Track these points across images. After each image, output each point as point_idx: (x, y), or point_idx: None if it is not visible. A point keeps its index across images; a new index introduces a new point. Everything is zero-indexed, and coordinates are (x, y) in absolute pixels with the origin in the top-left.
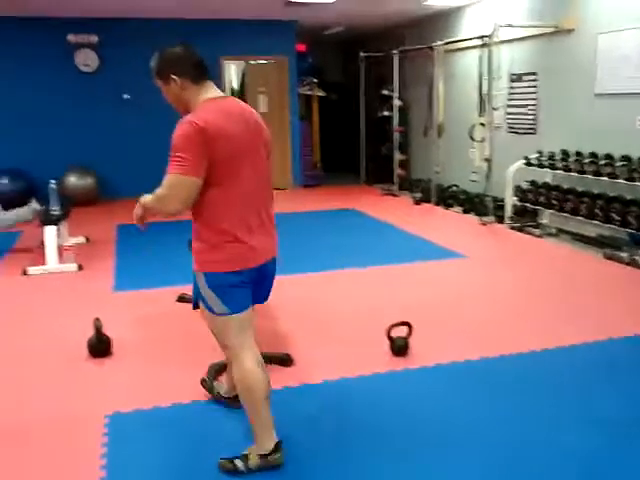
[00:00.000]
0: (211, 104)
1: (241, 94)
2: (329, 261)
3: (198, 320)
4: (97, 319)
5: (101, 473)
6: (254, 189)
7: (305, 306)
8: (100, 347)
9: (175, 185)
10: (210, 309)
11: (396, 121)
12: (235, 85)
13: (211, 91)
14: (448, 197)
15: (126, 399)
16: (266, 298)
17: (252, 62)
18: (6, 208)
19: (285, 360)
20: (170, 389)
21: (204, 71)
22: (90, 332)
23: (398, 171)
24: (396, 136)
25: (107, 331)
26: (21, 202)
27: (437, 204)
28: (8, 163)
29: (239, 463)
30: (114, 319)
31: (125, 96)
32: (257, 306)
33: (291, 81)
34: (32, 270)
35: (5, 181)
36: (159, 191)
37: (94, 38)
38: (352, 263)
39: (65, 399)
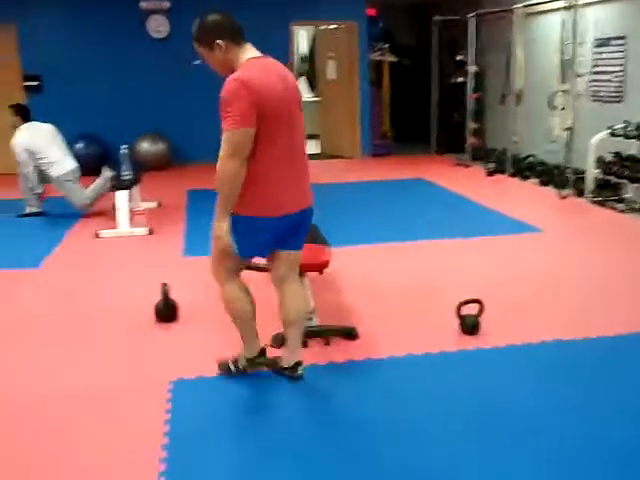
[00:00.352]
0: (253, 63)
1: (310, 60)
2: (396, 233)
3: (267, 288)
4: (164, 284)
5: (163, 440)
6: (291, 143)
7: (370, 279)
8: (167, 312)
9: (232, 140)
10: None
11: (471, 88)
12: (305, 51)
13: (251, 52)
14: (524, 168)
15: (190, 365)
16: (300, 246)
17: (322, 28)
18: (82, 172)
19: (350, 333)
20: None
21: (242, 34)
22: (158, 296)
23: (471, 140)
24: (470, 103)
25: (174, 296)
26: (95, 166)
27: (512, 175)
28: (83, 128)
29: (231, 366)
30: (182, 284)
31: (195, 62)
32: (321, 277)
33: (361, 46)
34: (104, 233)
35: (81, 145)
36: (219, 163)
37: (166, 4)
38: (421, 235)
39: (130, 364)
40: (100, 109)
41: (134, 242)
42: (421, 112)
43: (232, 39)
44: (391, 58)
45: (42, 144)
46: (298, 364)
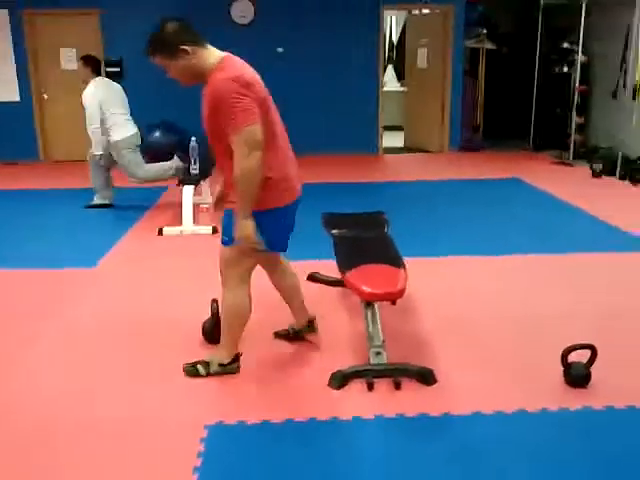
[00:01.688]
0: (229, 61)
1: (399, 48)
2: (486, 243)
3: (332, 307)
4: (214, 301)
5: None
6: (282, 129)
7: (452, 301)
8: (215, 334)
9: (249, 137)
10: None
11: (577, 79)
12: (394, 38)
13: (217, 51)
14: (637, 170)
15: (232, 407)
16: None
17: (414, 13)
18: (158, 161)
19: (425, 376)
20: (286, 400)
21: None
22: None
23: (575, 136)
24: (576, 96)
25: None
26: (171, 156)
27: (622, 178)
28: (162, 115)
29: (200, 369)
30: None
31: (279, 50)
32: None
33: (456, 32)
34: (167, 230)
35: (158, 133)
36: (239, 163)
37: None
38: (511, 247)
39: (167, 394)
40: (179, 96)
41: (196, 242)
42: (518, 105)
43: (197, 42)
44: (489, 45)
45: (111, 102)
46: (312, 320)
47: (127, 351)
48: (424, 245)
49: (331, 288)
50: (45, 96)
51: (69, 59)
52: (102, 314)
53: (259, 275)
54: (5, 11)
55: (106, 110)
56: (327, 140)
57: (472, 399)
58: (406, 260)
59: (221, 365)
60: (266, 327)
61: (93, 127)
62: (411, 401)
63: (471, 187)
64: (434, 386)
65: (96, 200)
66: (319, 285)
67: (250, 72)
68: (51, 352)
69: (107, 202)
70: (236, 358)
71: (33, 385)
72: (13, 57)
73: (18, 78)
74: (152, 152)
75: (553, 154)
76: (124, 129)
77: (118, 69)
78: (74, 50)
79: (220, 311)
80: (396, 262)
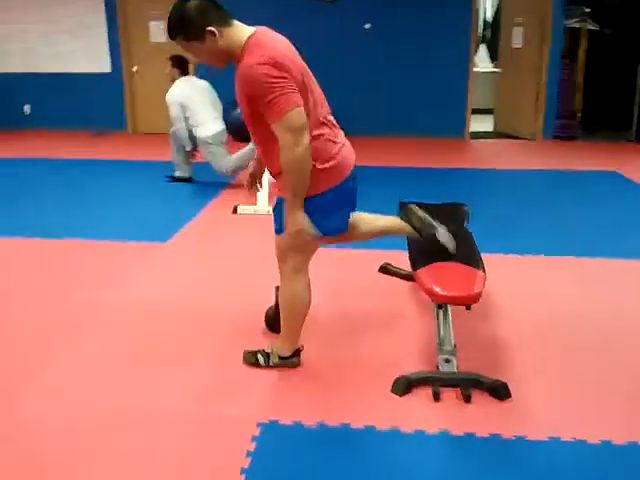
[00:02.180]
0: (258, 39)
1: (493, 27)
2: (571, 242)
3: (402, 302)
4: (277, 288)
5: None
6: (322, 100)
7: (532, 307)
8: (277, 323)
9: (293, 122)
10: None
11: None
12: (488, 16)
13: (244, 27)
14: None
15: (288, 405)
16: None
17: None
18: (239, 140)
19: (498, 390)
20: (346, 404)
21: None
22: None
23: None
24: None
25: None
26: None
27: None
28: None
29: (261, 358)
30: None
31: (366, 26)
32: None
33: (556, 11)
34: (241, 209)
35: (238, 111)
36: (285, 153)
37: None
38: (604, 250)
39: (221, 384)
40: None
41: (270, 223)
42: (620, 91)
43: (223, 21)
44: (591, 26)
45: (194, 100)
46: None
47: (184, 335)
48: (506, 241)
49: (403, 281)
50: (134, 68)
51: (158, 32)
52: (163, 294)
53: (333, 268)
54: None
55: (188, 109)
56: (411, 121)
57: (550, 422)
58: (484, 257)
59: (281, 358)
60: (334, 322)
61: (177, 127)
62: (481, 418)
63: (563, 180)
64: (508, 402)
65: (177, 173)
66: (390, 277)
67: (282, 49)
68: (101, 335)
69: (187, 176)
70: (297, 352)
71: (76, 375)
72: (106, 29)
73: (110, 50)
74: (234, 129)
75: None
76: (207, 127)
77: None
78: (162, 24)
79: (280, 302)
80: (474, 262)
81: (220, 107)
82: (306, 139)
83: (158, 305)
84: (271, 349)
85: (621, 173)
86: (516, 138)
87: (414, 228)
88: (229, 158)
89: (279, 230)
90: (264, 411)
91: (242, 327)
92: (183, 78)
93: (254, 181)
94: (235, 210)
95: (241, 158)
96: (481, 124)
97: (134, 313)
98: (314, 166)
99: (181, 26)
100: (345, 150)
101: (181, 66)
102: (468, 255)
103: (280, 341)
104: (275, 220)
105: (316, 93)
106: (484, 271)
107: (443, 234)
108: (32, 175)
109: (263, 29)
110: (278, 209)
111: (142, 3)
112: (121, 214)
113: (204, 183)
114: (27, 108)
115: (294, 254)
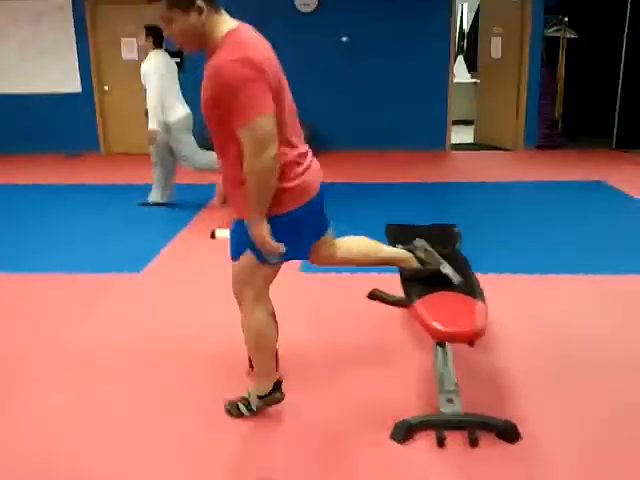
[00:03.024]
0: (239, 35)
1: (470, 38)
2: (566, 258)
3: (396, 332)
4: None
5: None
6: (291, 115)
7: (539, 335)
8: None
9: (261, 130)
10: (260, 256)
11: None
12: (465, 26)
13: (229, 20)
14: None
15: (277, 462)
16: (330, 223)
17: None
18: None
19: (506, 432)
20: (341, 455)
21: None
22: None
23: None
24: None
25: (282, 327)
26: None
27: None
28: None
29: (243, 408)
30: (294, 310)
31: (343, 39)
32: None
33: (535, 20)
34: (220, 233)
35: None
36: (249, 162)
37: None
38: (600, 266)
39: (213, 445)
40: None
41: None
42: (600, 99)
43: (213, 5)
44: (570, 34)
45: (167, 77)
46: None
47: (156, 380)
48: (498, 258)
49: (395, 308)
50: (106, 88)
51: (129, 49)
52: (132, 332)
53: (318, 295)
54: (69, 1)
55: (163, 87)
56: (390, 135)
57: (565, 467)
58: (478, 277)
59: (260, 397)
60: (322, 360)
61: (154, 100)
62: (490, 465)
63: (549, 191)
64: (517, 444)
65: (151, 198)
66: (380, 304)
67: (261, 49)
68: (66, 373)
69: (161, 201)
70: (277, 385)
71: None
72: (75, 48)
73: (80, 69)
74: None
75: None
76: (178, 110)
77: (178, 60)
78: (134, 40)
79: (245, 339)
80: (473, 291)
81: (180, 92)
82: (272, 150)
83: (125, 344)
84: (248, 393)
85: (607, 182)
86: (497, 149)
87: (420, 262)
88: (202, 154)
89: (235, 256)
90: (253, 468)
91: (222, 368)
92: (158, 50)
93: (224, 198)
94: (213, 235)
95: (203, 166)
96: (462, 135)
97: (96, 354)
98: (277, 183)
99: None
100: (309, 174)
101: (156, 37)
102: (467, 284)
103: (255, 381)
104: (231, 246)
105: (287, 108)
106: (485, 302)
107: (447, 267)
108: None
109: (246, 27)
110: (235, 233)
111: (113, 17)
112: (92, 244)
113: (181, 204)
114: None
115: (250, 281)
